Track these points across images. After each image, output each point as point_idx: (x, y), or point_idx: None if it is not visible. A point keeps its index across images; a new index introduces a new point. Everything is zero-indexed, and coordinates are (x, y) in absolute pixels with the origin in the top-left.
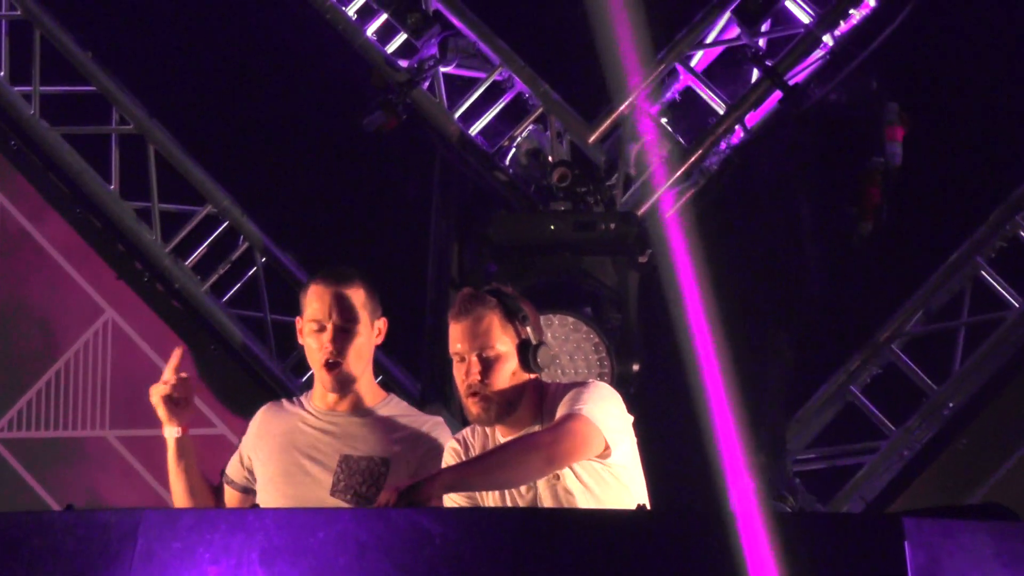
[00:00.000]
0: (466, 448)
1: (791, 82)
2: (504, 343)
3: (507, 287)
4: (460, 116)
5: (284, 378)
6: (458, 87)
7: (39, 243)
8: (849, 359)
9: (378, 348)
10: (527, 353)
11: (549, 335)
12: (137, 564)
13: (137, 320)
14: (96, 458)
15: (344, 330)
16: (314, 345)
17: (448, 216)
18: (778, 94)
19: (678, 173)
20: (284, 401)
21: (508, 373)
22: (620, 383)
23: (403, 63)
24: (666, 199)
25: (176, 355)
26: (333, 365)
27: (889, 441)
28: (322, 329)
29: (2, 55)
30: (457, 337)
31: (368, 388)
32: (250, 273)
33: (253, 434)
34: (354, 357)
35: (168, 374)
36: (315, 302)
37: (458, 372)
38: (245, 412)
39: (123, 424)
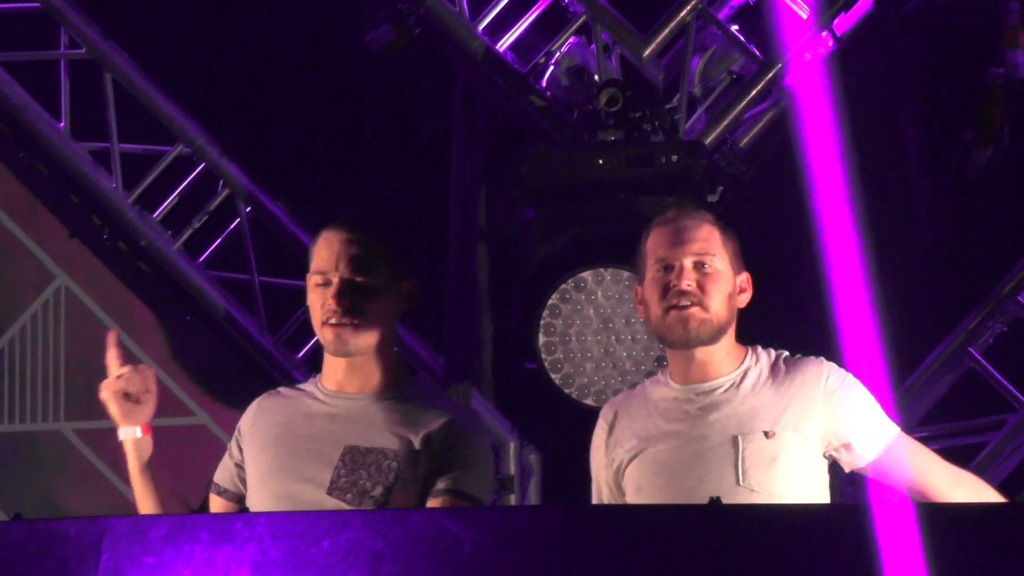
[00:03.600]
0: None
1: None
2: (723, 260)
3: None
4: (485, 28)
5: (277, 354)
6: None
7: None
8: (967, 315)
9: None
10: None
11: (599, 294)
12: None
13: (95, 287)
14: (50, 456)
15: (353, 284)
16: (317, 302)
17: (473, 153)
18: None
19: (753, 92)
20: (283, 389)
21: (725, 294)
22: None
23: None
24: (740, 125)
25: (111, 340)
26: (335, 325)
27: (1019, 415)
28: (327, 283)
29: None
30: (668, 240)
31: (387, 364)
32: (232, 227)
33: (245, 429)
34: (366, 319)
35: (115, 367)
36: (322, 250)
37: (657, 284)
38: (230, 396)
39: (82, 415)
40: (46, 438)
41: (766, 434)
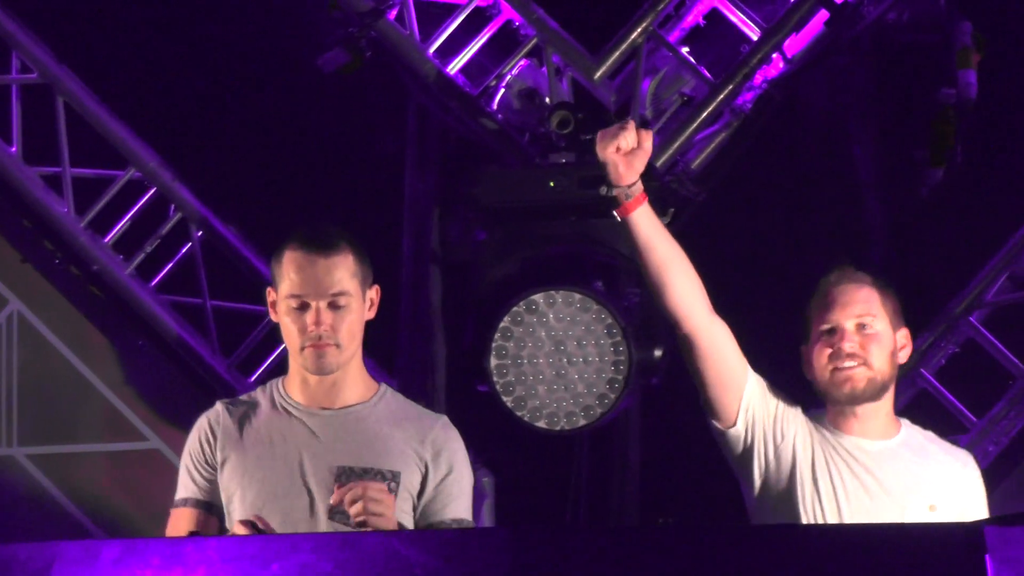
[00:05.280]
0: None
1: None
2: (883, 321)
3: None
4: (436, 51)
5: (229, 377)
6: (433, 15)
7: None
8: (919, 336)
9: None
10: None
11: (551, 316)
12: None
13: (48, 312)
14: (2, 482)
15: (334, 307)
16: (295, 327)
17: (426, 176)
18: (824, 14)
19: (704, 115)
20: (245, 398)
21: (887, 352)
22: (640, 373)
23: None
24: (692, 147)
25: None
26: (323, 352)
27: (970, 436)
28: (305, 307)
29: None
30: (830, 303)
31: (359, 377)
32: (184, 251)
33: (220, 439)
34: (347, 338)
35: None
36: (294, 273)
37: (822, 347)
38: (182, 421)
39: (35, 440)
40: None
41: (930, 507)
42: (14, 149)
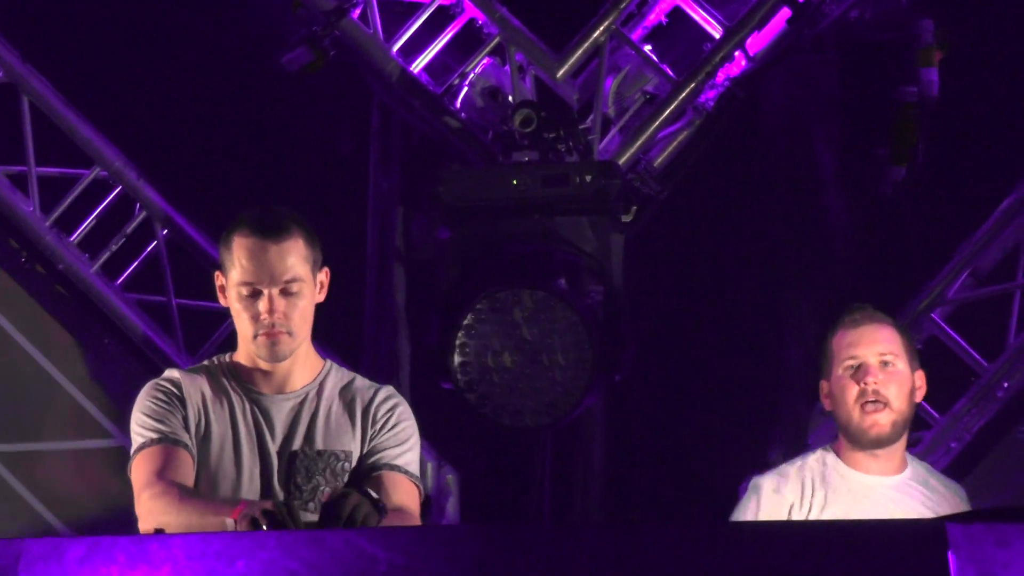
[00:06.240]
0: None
1: None
2: (903, 361)
3: None
4: (399, 50)
5: None
6: (397, 14)
7: None
8: None
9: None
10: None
11: (515, 314)
12: None
13: (13, 310)
14: None
15: (286, 294)
16: (247, 314)
17: (389, 174)
18: (786, 12)
19: (667, 112)
20: (198, 370)
21: (907, 392)
22: (604, 371)
23: None
24: (654, 145)
25: None
26: (276, 339)
27: (933, 432)
28: (257, 294)
29: None
30: (855, 340)
31: (307, 358)
32: (149, 249)
33: (189, 406)
34: (300, 324)
35: None
36: (244, 260)
37: (847, 382)
38: None
39: (1, 437)
40: None
41: None
42: None
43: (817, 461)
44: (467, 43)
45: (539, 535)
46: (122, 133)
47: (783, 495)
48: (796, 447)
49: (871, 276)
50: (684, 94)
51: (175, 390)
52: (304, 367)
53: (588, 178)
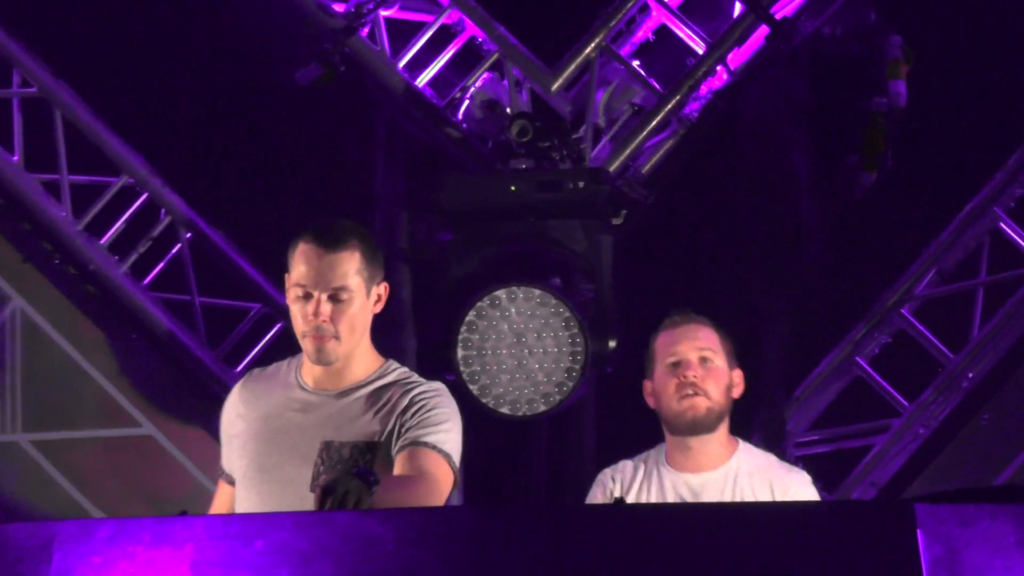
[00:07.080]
0: (622, 484)
1: (778, 15)
2: (721, 358)
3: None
4: (405, 65)
5: (216, 369)
6: (402, 33)
7: None
8: (854, 327)
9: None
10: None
11: (513, 311)
12: None
13: (47, 308)
14: (7, 466)
15: (334, 299)
16: (299, 314)
17: (394, 180)
18: (764, 29)
19: (653, 123)
20: (273, 367)
21: (724, 386)
22: (595, 363)
23: (339, 7)
24: (642, 153)
25: None
26: (322, 343)
27: (902, 419)
28: (308, 296)
29: None
30: (675, 339)
31: (362, 359)
32: (174, 251)
33: (233, 413)
34: (346, 330)
35: None
36: (302, 264)
37: (668, 378)
38: (173, 409)
39: (37, 426)
40: (3, 449)
41: None
42: (16, 158)
43: (652, 456)
44: (468, 59)
45: (536, 515)
46: (147, 143)
47: (616, 483)
48: (775, 435)
49: (843, 274)
50: (669, 106)
51: (229, 406)
52: (355, 369)
53: (580, 184)
